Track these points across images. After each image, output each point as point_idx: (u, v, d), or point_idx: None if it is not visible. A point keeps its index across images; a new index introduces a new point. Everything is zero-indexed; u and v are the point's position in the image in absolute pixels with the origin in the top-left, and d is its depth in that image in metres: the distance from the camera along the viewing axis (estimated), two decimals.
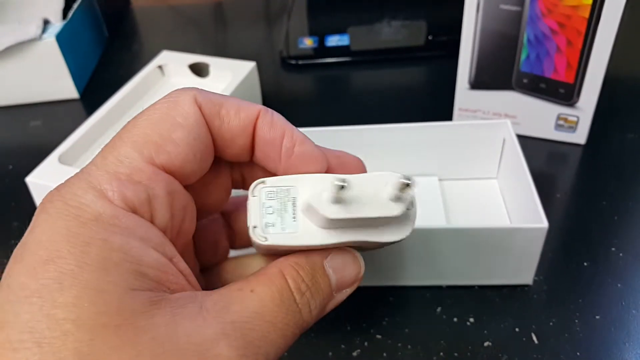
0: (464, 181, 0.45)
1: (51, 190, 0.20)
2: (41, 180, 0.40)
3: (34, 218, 0.19)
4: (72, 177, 0.20)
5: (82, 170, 0.20)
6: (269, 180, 0.22)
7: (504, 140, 0.42)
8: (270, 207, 0.22)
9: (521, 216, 0.39)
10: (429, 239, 0.35)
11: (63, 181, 0.20)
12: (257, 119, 0.22)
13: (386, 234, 0.22)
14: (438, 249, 0.35)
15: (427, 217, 0.41)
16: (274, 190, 0.22)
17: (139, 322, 0.17)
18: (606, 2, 0.40)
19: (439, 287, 0.37)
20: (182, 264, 0.20)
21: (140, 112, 0.22)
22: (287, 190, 0.22)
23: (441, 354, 0.34)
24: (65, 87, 0.60)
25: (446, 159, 0.44)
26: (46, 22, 0.59)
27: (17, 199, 0.47)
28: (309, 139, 0.23)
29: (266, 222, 0.22)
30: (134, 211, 0.19)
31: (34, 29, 0.56)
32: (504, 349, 0.34)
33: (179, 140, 0.21)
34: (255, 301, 0.20)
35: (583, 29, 0.42)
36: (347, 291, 0.23)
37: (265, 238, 0.22)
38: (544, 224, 0.34)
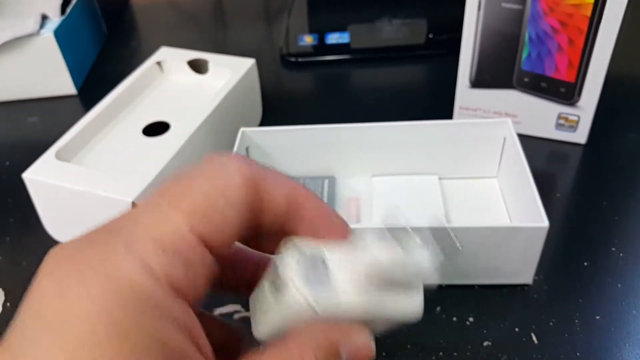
0: (464, 180, 0.44)
1: (83, 246, 0.18)
2: (38, 177, 0.40)
3: (61, 274, 0.17)
4: (107, 234, 0.18)
5: (119, 228, 0.18)
6: (298, 239, 0.22)
7: (504, 139, 0.42)
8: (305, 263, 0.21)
9: (521, 215, 0.39)
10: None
11: (95, 236, 0.18)
12: (297, 195, 0.22)
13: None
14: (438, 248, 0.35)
15: (425, 215, 0.41)
16: (305, 249, 0.22)
17: None
18: (608, 1, 0.40)
19: (439, 286, 0.37)
20: (207, 347, 0.19)
21: (184, 175, 0.20)
22: (317, 250, 0.21)
23: (440, 353, 0.33)
24: (63, 83, 0.59)
25: (446, 158, 0.43)
26: (44, 18, 0.58)
27: (14, 195, 0.47)
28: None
29: (306, 278, 0.21)
30: (177, 289, 0.18)
31: (32, 24, 0.56)
32: (504, 348, 0.33)
33: (226, 215, 0.19)
34: None
35: (585, 28, 0.42)
36: None
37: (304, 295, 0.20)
38: (545, 223, 0.33)
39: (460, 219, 0.41)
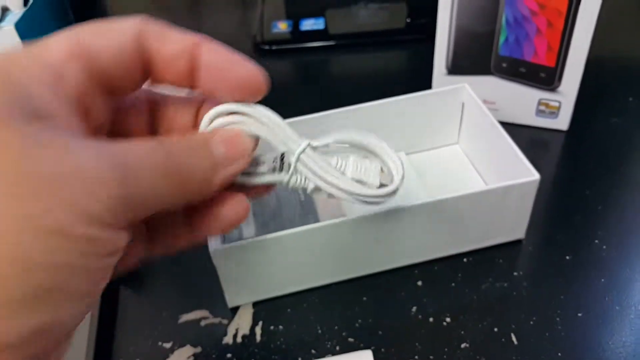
0: (428, 152, 0.45)
1: None
2: None
3: None
4: None
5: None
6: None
7: (462, 104, 0.42)
8: None
9: (501, 174, 0.38)
10: (419, 214, 0.34)
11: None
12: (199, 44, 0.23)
13: None
14: (425, 222, 0.35)
15: (408, 193, 0.40)
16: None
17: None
18: None
19: (417, 284, 0.36)
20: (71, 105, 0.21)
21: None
22: None
23: (416, 357, 0.32)
24: None
25: (409, 132, 0.44)
26: (5, 10, 0.56)
27: None
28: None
29: None
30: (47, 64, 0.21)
31: None
32: (482, 350, 0.32)
33: (106, 38, 0.22)
34: (131, 144, 0.21)
35: (564, 10, 0.40)
36: (240, 164, 0.24)
37: None
38: (536, 176, 0.34)
39: (440, 190, 0.40)
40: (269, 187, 0.26)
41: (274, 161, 0.25)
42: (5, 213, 0.17)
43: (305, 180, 0.25)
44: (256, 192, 0.26)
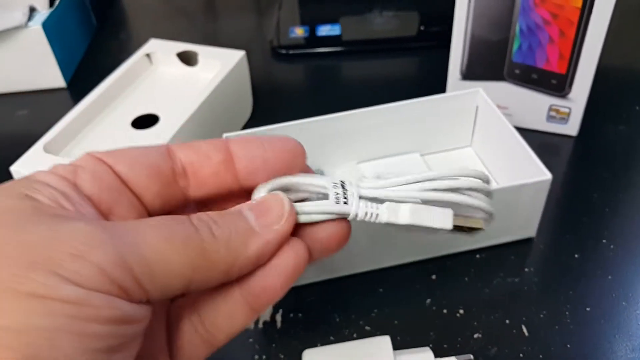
0: (442, 153, 0.46)
1: None
2: (26, 170, 0.39)
3: None
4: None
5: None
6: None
7: (476, 107, 0.44)
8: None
9: (511, 176, 0.40)
10: None
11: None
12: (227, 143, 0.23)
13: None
14: None
15: None
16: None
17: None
18: None
19: (431, 278, 0.37)
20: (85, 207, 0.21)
21: None
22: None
23: (430, 345, 0.33)
24: (52, 76, 0.59)
25: (424, 134, 0.45)
26: (32, 10, 0.58)
27: None
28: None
29: None
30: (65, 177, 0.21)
31: (20, 16, 0.55)
32: (494, 341, 0.33)
33: (129, 151, 0.22)
34: (146, 218, 0.20)
35: (575, 19, 0.42)
36: (278, 229, 0.22)
37: None
38: (548, 175, 0.35)
39: None
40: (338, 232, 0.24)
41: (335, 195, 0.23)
42: None
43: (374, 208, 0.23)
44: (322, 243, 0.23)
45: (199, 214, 0.21)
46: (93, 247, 0.17)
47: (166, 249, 0.19)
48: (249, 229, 0.21)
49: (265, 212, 0.22)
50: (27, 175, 0.20)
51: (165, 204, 0.23)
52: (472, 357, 0.30)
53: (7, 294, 0.16)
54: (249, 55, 0.51)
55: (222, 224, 0.21)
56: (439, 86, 0.50)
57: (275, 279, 0.22)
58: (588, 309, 0.35)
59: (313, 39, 0.63)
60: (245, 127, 0.52)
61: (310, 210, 0.23)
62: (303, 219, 0.23)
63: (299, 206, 0.23)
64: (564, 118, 0.47)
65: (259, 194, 0.23)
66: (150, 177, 0.22)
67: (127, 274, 0.18)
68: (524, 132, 0.48)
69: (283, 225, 0.22)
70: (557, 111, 0.46)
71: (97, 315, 0.17)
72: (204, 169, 0.23)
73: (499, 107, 0.47)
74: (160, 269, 0.19)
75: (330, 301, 0.36)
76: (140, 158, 0.22)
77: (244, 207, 0.22)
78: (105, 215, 0.21)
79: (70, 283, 0.17)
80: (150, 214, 0.23)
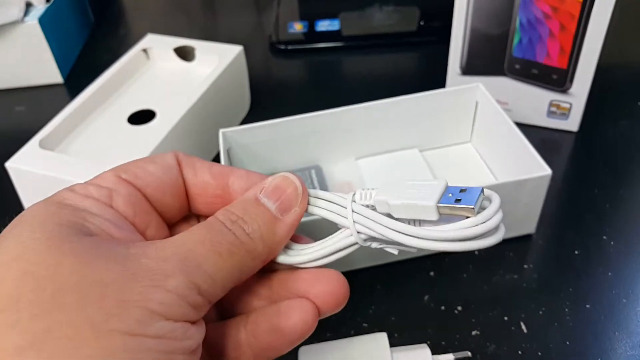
0: (441, 149, 0.46)
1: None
2: (21, 165, 0.39)
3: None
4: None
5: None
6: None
7: (476, 103, 0.43)
8: None
9: (511, 172, 0.40)
10: None
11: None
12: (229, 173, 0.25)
13: None
14: None
15: None
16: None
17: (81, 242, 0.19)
18: None
19: (429, 274, 0.37)
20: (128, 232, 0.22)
21: None
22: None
23: (428, 342, 0.33)
24: (49, 72, 0.58)
25: (422, 130, 0.44)
26: (29, 5, 0.57)
27: None
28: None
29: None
30: (96, 198, 0.22)
31: (16, 11, 0.55)
32: (492, 338, 0.33)
33: (150, 169, 0.24)
34: (186, 234, 0.21)
35: (577, 13, 0.41)
36: (297, 210, 0.23)
37: None
38: (548, 171, 0.35)
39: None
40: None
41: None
42: (78, 322, 0.17)
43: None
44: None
45: (226, 214, 0.22)
46: (167, 275, 0.19)
47: (218, 261, 0.20)
48: (272, 217, 0.23)
49: (281, 197, 0.23)
50: (62, 197, 0.21)
51: (178, 216, 0.25)
52: (469, 354, 0.29)
53: (105, 334, 0.17)
54: (247, 51, 0.51)
55: (249, 220, 0.22)
56: (439, 82, 0.50)
57: (284, 343, 0.23)
58: (588, 305, 0.34)
59: (312, 34, 0.63)
60: (243, 122, 0.52)
61: (316, 194, 0.24)
62: (312, 201, 0.24)
63: (312, 192, 0.24)
64: (565, 113, 0.46)
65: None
66: (174, 197, 0.24)
67: (196, 293, 0.19)
68: (524, 127, 0.47)
69: (300, 207, 0.24)
70: (558, 106, 0.46)
71: (182, 347, 0.18)
72: (203, 193, 0.25)
73: (498, 102, 0.47)
74: (220, 280, 0.20)
75: None
76: (164, 178, 0.24)
77: (258, 193, 0.23)
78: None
79: (159, 317, 0.18)
80: (169, 227, 0.25)
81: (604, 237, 0.38)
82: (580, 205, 0.41)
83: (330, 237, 0.24)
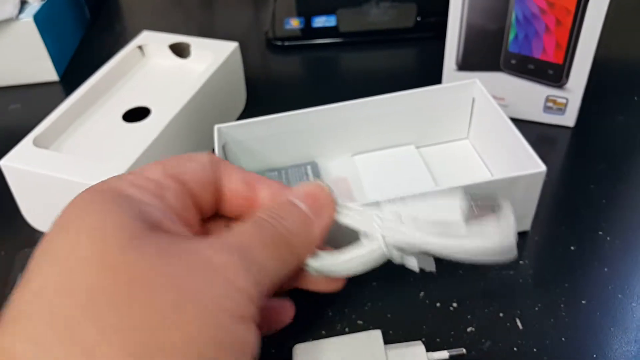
0: (438, 145, 0.46)
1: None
2: (15, 164, 0.39)
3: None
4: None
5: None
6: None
7: (473, 99, 0.43)
8: None
9: (507, 168, 0.39)
10: None
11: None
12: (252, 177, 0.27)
13: None
14: None
15: (416, 184, 0.41)
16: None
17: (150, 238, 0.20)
18: None
19: (423, 271, 0.37)
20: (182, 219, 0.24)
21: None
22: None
23: (423, 339, 0.33)
24: (44, 69, 0.58)
25: (419, 126, 0.44)
26: (24, 2, 0.57)
27: None
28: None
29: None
30: (146, 188, 0.23)
31: (11, 8, 0.54)
32: (488, 334, 0.33)
33: (191, 166, 0.25)
34: (236, 230, 0.23)
35: (572, 8, 0.41)
36: (330, 214, 0.26)
37: None
38: (542, 167, 0.34)
39: (451, 181, 0.41)
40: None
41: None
42: (169, 328, 0.18)
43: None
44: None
45: (267, 212, 0.24)
46: (236, 275, 0.20)
47: (269, 256, 0.22)
48: (308, 217, 0.25)
49: (315, 201, 0.25)
50: (120, 187, 0.22)
51: (209, 214, 0.27)
52: (464, 350, 0.29)
53: (202, 348, 0.18)
54: (244, 47, 0.51)
55: (287, 217, 0.24)
56: (436, 78, 0.49)
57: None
58: (584, 301, 0.34)
59: (309, 31, 0.62)
60: (239, 118, 0.52)
61: (344, 203, 0.26)
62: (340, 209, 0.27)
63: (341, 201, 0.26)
64: (561, 109, 0.46)
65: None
66: (213, 194, 0.26)
67: (258, 289, 0.21)
68: (520, 123, 0.47)
69: (331, 211, 0.26)
70: (554, 102, 0.46)
71: (252, 352, 0.20)
72: (233, 197, 0.27)
73: (495, 98, 0.47)
74: (274, 273, 0.22)
75: (322, 295, 0.36)
76: (203, 176, 0.25)
77: (292, 197, 0.25)
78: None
79: (239, 321, 0.19)
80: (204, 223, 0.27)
81: (600, 233, 0.38)
82: (577, 201, 0.41)
83: (355, 245, 0.26)
